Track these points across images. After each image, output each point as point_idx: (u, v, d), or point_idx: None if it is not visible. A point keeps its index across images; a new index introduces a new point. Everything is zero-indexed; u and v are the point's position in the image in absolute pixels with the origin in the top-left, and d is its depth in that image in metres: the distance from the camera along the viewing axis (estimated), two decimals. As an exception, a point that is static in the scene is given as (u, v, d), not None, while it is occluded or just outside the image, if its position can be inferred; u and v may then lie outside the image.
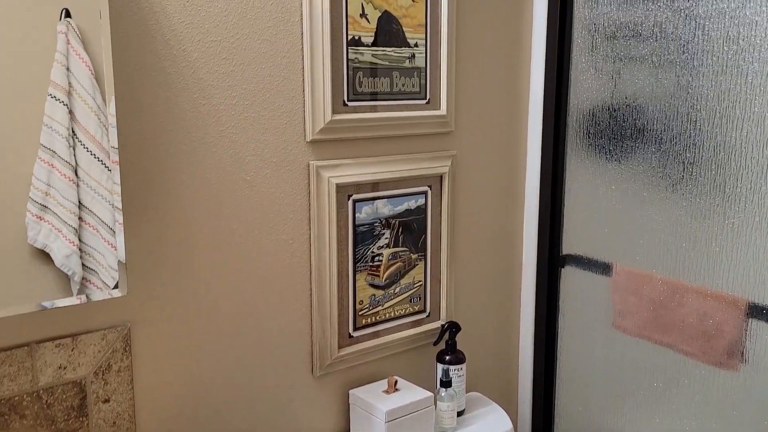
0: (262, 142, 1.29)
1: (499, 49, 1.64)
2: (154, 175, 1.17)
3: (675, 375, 1.54)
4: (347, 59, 1.36)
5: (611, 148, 1.62)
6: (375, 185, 1.45)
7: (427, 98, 1.51)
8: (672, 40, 1.47)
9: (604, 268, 1.66)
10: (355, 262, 1.45)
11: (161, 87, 1.16)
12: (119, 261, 1.08)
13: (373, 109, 1.42)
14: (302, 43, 1.31)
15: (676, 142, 1.49)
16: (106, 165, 1.05)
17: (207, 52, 1.20)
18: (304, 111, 1.33)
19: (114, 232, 1.07)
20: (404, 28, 1.44)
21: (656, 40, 1.50)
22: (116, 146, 1.04)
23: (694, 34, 1.43)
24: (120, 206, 1.07)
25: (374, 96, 1.42)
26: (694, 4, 1.42)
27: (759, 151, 1.35)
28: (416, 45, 1.46)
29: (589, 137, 1.67)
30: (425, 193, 1.54)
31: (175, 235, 1.21)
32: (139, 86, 1.13)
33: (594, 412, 1.75)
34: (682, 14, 1.44)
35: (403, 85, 1.46)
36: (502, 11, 1.63)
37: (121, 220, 1.08)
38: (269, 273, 1.34)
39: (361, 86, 1.39)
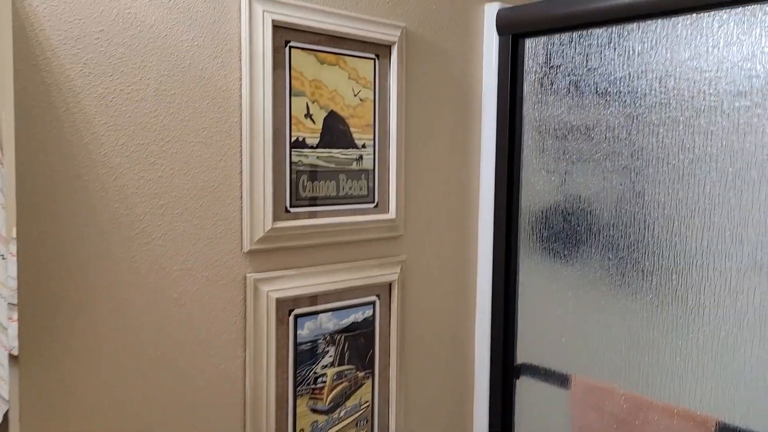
0: (192, 255, 1.14)
1: (448, 149, 1.57)
2: (59, 303, 1.00)
3: (642, 499, 1.43)
4: (290, 162, 1.25)
5: (566, 252, 1.55)
6: (319, 298, 1.31)
7: (376, 201, 1.40)
8: (626, 145, 1.43)
9: (562, 380, 1.56)
10: (295, 386, 1.29)
11: (77, 196, 1.00)
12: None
13: (318, 214, 1.30)
14: (241, 146, 1.18)
15: (633, 250, 1.43)
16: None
17: (131, 158, 1.05)
18: (241, 219, 1.20)
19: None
20: (351, 129, 1.34)
21: (609, 145, 1.46)
22: (14, 276, 0.87)
23: (648, 141, 1.40)
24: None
25: (319, 201, 1.30)
26: (647, 111, 1.39)
27: (721, 263, 1.30)
28: (364, 146, 1.37)
29: (542, 240, 1.60)
30: (373, 303, 1.41)
31: (79, 371, 1.03)
32: (48, 197, 0.97)
33: None
34: (635, 120, 1.41)
35: (350, 188, 1.35)
36: (451, 111, 1.57)
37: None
38: (197, 406, 1.16)
39: (304, 191, 1.27)
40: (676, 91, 1.35)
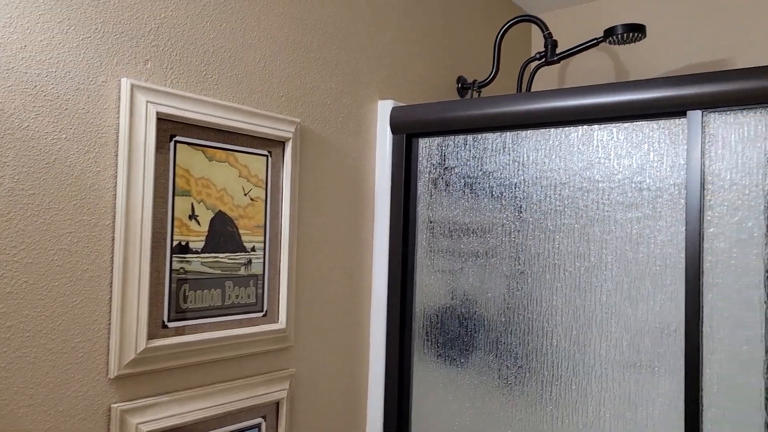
0: (45, 386, 0.94)
1: (342, 250, 1.48)
2: None
3: None
4: (171, 270, 1.09)
5: (462, 360, 1.48)
6: (199, 425, 1.14)
7: (264, 310, 1.26)
8: (522, 250, 1.42)
9: (459, 498, 1.46)
10: None
11: None
12: None
13: (201, 328, 1.14)
14: (113, 253, 1.01)
15: (532, 358, 1.39)
16: None
17: (-27, 271, 0.86)
18: (109, 339, 1.01)
19: None
20: (240, 231, 1.21)
21: (505, 249, 1.44)
22: None
23: (544, 247, 1.39)
24: None
25: (202, 312, 1.14)
26: (543, 217, 1.39)
27: (620, 374, 1.28)
28: (253, 249, 1.24)
29: (437, 346, 1.52)
30: (258, 426, 1.25)
31: None
32: None
33: None
34: (531, 225, 1.40)
35: (236, 296, 1.21)
36: (345, 211, 1.48)
37: None
38: None
39: (186, 302, 1.12)
40: (570, 200, 1.36)
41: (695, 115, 1.20)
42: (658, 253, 1.25)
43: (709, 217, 1.19)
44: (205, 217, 1.14)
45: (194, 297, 1.13)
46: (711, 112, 1.19)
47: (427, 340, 1.53)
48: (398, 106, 1.55)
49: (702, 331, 1.18)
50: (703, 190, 1.20)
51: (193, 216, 1.12)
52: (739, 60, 2.02)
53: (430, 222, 1.54)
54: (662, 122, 1.26)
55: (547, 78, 2.39)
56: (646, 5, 2.19)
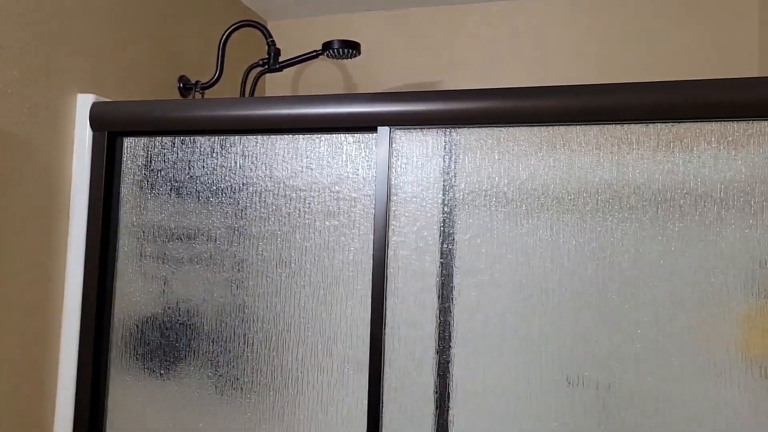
0: None
1: (24, 258, 1.33)
2: None
3: None
4: None
5: (163, 371, 1.42)
6: None
7: None
8: (227, 257, 1.40)
9: None
10: None
11: None
12: None
13: None
14: None
15: (233, 366, 1.38)
16: None
17: None
18: None
19: None
20: None
21: (211, 256, 1.41)
22: None
23: (249, 254, 1.39)
24: None
25: None
26: (248, 223, 1.39)
27: (313, 377, 1.32)
28: None
29: (137, 359, 1.44)
30: None
31: None
32: None
33: None
34: (237, 232, 1.39)
35: None
36: (32, 214, 1.34)
37: None
38: None
39: None
40: (274, 207, 1.37)
41: (384, 130, 1.29)
42: (351, 259, 1.32)
43: (393, 227, 1.29)
44: None
45: None
46: (398, 128, 1.29)
47: (126, 352, 1.44)
48: (100, 102, 1.44)
49: (385, 333, 1.27)
50: (389, 201, 1.29)
51: None
52: (448, 81, 2.24)
53: (134, 227, 1.46)
54: (358, 136, 1.33)
55: (281, 84, 2.43)
56: (371, 25, 2.33)
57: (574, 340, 1.17)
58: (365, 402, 1.27)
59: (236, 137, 1.40)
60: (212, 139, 1.42)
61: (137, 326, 1.45)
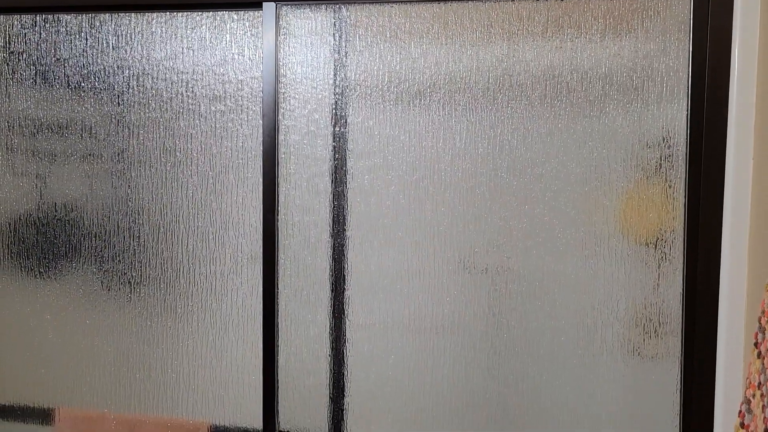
0: None
1: None
2: None
3: None
4: None
5: (42, 270, 1.34)
6: None
7: None
8: (105, 147, 1.31)
9: (44, 416, 1.34)
10: None
11: None
12: None
13: None
14: None
15: (119, 260, 1.31)
16: None
17: None
18: None
19: None
20: None
21: (87, 146, 1.31)
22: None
23: (129, 143, 1.30)
24: None
25: None
26: (126, 110, 1.29)
27: (206, 267, 1.29)
28: None
29: (12, 258, 1.34)
30: None
31: None
32: None
33: None
34: (112, 120, 1.30)
35: None
36: None
37: None
38: None
39: None
40: (154, 91, 1.28)
41: (270, 6, 1.21)
42: (241, 146, 1.26)
43: (283, 110, 1.23)
44: None
45: None
46: (285, 4, 1.22)
47: (0, 253, 1.35)
48: (-57, -28, 1.27)
49: (278, 219, 1.24)
50: (278, 83, 1.23)
51: None
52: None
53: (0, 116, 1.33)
54: (242, 13, 1.24)
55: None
56: None
57: (466, 220, 1.19)
58: (260, 289, 1.26)
59: (106, 14, 1.28)
60: (79, 18, 1.29)
61: (9, 225, 1.34)
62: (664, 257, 1.14)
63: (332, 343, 1.25)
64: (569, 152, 1.16)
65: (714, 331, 1.09)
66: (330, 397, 1.25)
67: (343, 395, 1.25)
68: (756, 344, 0.80)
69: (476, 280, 1.20)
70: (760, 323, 0.80)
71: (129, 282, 1.31)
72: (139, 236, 1.30)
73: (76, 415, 1.32)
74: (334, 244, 1.24)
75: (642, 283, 1.14)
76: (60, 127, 1.31)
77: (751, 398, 0.80)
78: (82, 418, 1.32)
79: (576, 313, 1.17)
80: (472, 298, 1.20)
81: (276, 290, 1.24)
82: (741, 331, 1.05)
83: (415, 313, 1.21)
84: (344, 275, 1.24)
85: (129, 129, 1.29)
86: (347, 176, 1.23)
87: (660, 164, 1.13)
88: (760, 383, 0.77)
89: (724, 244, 1.07)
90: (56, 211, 1.32)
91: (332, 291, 1.24)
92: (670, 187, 1.13)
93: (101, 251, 1.32)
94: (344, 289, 1.24)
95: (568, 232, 1.16)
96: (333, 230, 1.24)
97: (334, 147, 1.23)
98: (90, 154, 1.31)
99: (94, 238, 1.32)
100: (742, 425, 0.82)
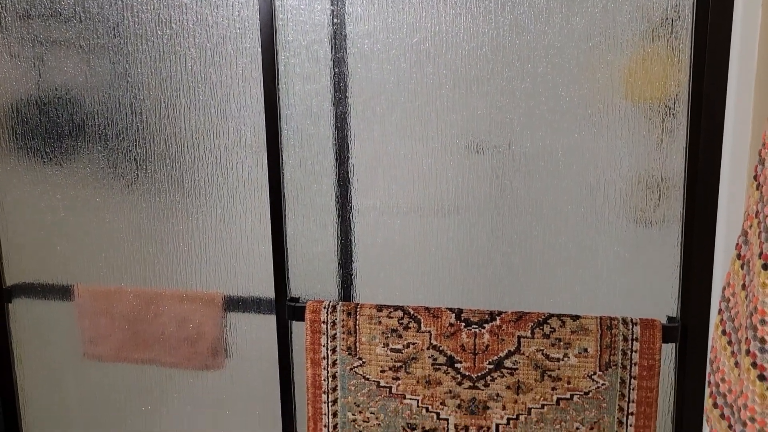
0: None
1: None
2: None
3: (163, 392, 1.41)
4: None
5: (48, 150, 1.35)
6: None
7: None
8: (99, 21, 1.28)
9: (64, 293, 1.39)
10: None
11: None
12: None
13: None
14: None
15: (123, 138, 1.32)
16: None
17: None
18: None
19: None
20: None
21: (81, 22, 1.29)
22: None
23: (123, 16, 1.27)
24: None
25: None
26: (117, -19, 1.26)
27: (210, 141, 1.29)
28: None
29: (17, 139, 1.35)
30: None
31: None
32: None
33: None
34: (106, -8, 1.27)
35: None
36: None
37: None
38: None
39: None
40: (145, -40, 1.24)
41: None
42: (237, 15, 1.24)
43: (278, -26, 1.20)
44: None
45: None
46: None
47: (4, 133, 1.35)
48: None
49: (278, 88, 1.23)
50: (272, -56, 1.18)
51: None
52: None
53: (-13, -7, 1.30)
54: None
55: None
56: None
57: (468, 81, 1.18)
58: (264, 159, 1.26)
59: None
60: None
61: (12, 105, 1.34)
62: (668, 112, 1.13)
63: (338, 210, 1.26)
64: (572, 5, 1.13)
65: (716, 183, 1.09)
66: (339, 263, 1.28)
67: (352, 261, 1.28)
68: (755, 176, 0.81)
69: (479, 142, 1.20)
70: (760, 155, 0.80)
71: (135, 159, 1.32)
72: (141, 112, 1.30)
73: (94, 290, 1.37)
74: (336, 112, 1.23)
75: (645, 138, 1.14)
76: (53, 2, 1.28)
77: (748, 229, 0.81)
78: (100, 294, 1.37)
79: (579, 173, 1.17)
80: (476, 160, 1.20)
81: (281, 160, 1.25)
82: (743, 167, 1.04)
83: (420, 177, 1.22)
84: (347, 143, 1.24)
85: (122, 2, 1.27)
86: (347, 41, 1.21)
87: (666, 16, 1.10)
88: (757, 212, 0.78)
89: (730, 89, 1.05)
90: (56, 90, 1.32)
91: (336, 160, 1.25)
92: (676, 38, 1.10)
93: (104, 130, 1.32)
94: (348, 157, 1.24)
95: (571, 90, 1.15)
96: (334, 98, 1.23)
97: (332, 11, 1.20)
98: (85, 30, 1.29)
99: (96, 116, 1.32)
100: (738, 257, 0.83)
